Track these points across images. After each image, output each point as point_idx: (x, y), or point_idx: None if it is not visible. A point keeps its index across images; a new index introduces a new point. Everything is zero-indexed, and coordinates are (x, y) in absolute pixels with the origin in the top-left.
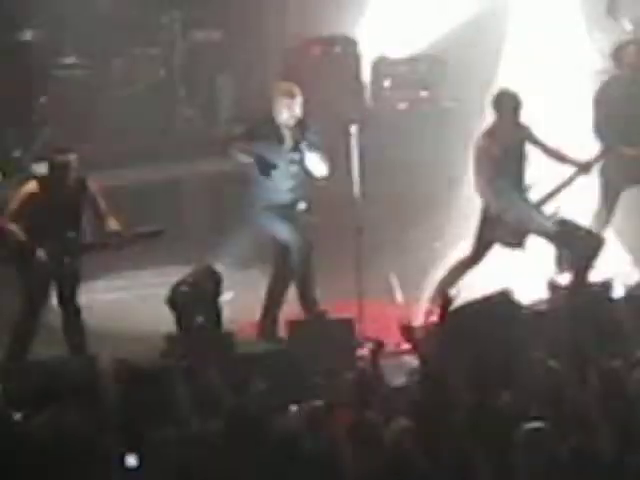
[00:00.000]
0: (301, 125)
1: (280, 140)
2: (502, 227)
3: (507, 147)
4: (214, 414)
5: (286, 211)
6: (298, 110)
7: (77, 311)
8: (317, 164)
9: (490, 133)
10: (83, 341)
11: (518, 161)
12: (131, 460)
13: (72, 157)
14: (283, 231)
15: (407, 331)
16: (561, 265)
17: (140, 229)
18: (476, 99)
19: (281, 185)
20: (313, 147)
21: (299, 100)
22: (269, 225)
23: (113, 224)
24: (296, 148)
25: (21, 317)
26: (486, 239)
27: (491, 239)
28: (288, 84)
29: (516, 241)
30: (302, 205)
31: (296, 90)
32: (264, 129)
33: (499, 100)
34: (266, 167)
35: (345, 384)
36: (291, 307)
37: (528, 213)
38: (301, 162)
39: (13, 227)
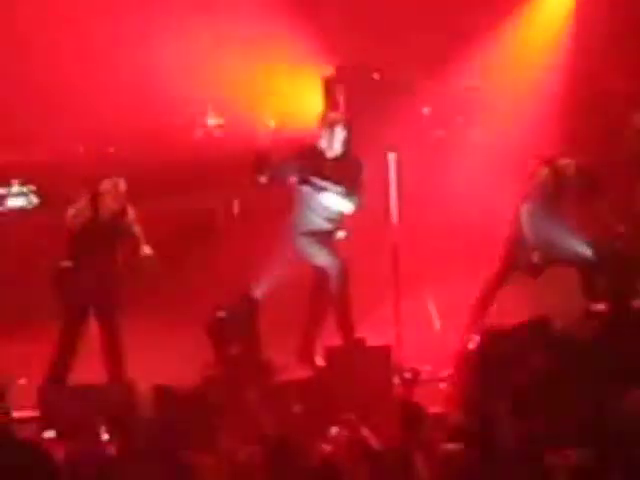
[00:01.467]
0: (344, 156)
1: (322, 170)
2: (527, 251)
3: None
4: (254, 440)
5: (324, 238)
6: (340, 141)
7: (117, 337)
8: (338, 202)
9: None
10: (122, 367)
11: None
12: None
13: (118, 181)
14: (321, 256)
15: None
16: (593, 292)
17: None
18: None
19: (320, 213)
20: (349, 181)
21: (340, 131)
22: (307, 250)
23: (147, 249)
24: (337, 180)
25: (61, 342)
26: (513, 261)
27: (517, 262)
28: (333, 114)
29: (535, 270)
30: (341, 234)
31: (339, 120)
32: (308, 158)
33: None
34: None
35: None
36: (329, 333)
37: (560, 239)
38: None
39: None
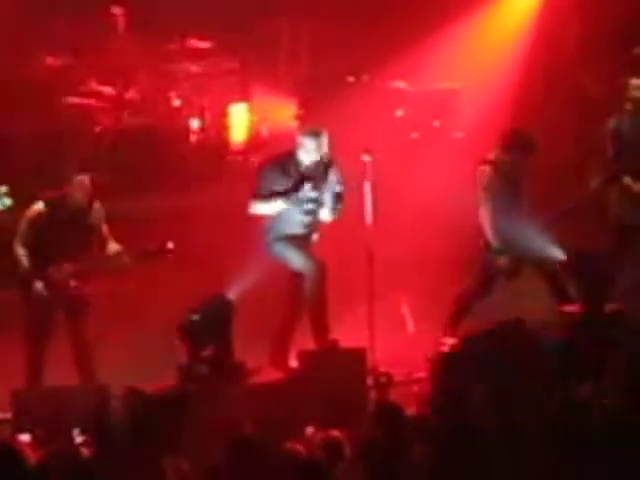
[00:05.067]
0: (324, 164)
1: (302, 178)
2: (502, 258)
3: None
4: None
5: (301, 242)
6: (324, 150)
7: (85, 340)
8: (325, 214)
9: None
10: (93, 369)
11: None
12: None
13: (85, 178)
14: (298, 260)
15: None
16: (565, 294)
17: (148, 247)
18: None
19: (298, 219)
20: (331, 187)
21: (325, 140)
22: (284, 254)
23: (114, 247)
24: (315, 186)
25: (29, 345)
26: (488, 267)
27: (494, 269)
28: (314, 126)
29: (511, 272)
30: (316, 236)
31: (322, 131)
32: (287, 167)
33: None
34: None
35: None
36: (303, 336)
37: (531, 245)
38: (319, 200)
39: (20, 251)
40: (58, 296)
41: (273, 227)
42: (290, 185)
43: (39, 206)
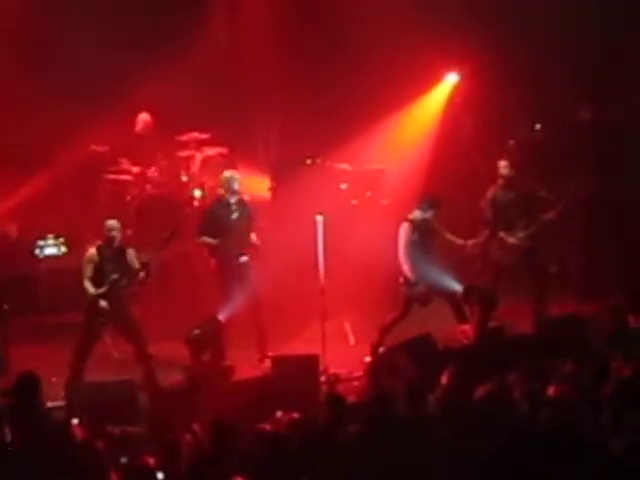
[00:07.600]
0: (243, 201)
1: (230, 212)
2: (417, 290)
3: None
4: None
5: (234, 262)
6: (237, 187)
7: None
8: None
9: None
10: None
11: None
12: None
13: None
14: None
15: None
16: (463, 316)
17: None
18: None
19: (231, 242)
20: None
21: (236, 178)
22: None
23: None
24: (239, 217)
25: (81, 350)
26: (408, 297)
27: (410, 297)
28: (232, 172)
29: (424, 300)
30: (244, 258)
31: (235, 175)
32: (219, 205)
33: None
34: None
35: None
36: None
37: (438, 281)
38: (243, 226)
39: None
40: (116, 307)
41: (219, 250)
42: (223, 216)
43: (92, 251)
